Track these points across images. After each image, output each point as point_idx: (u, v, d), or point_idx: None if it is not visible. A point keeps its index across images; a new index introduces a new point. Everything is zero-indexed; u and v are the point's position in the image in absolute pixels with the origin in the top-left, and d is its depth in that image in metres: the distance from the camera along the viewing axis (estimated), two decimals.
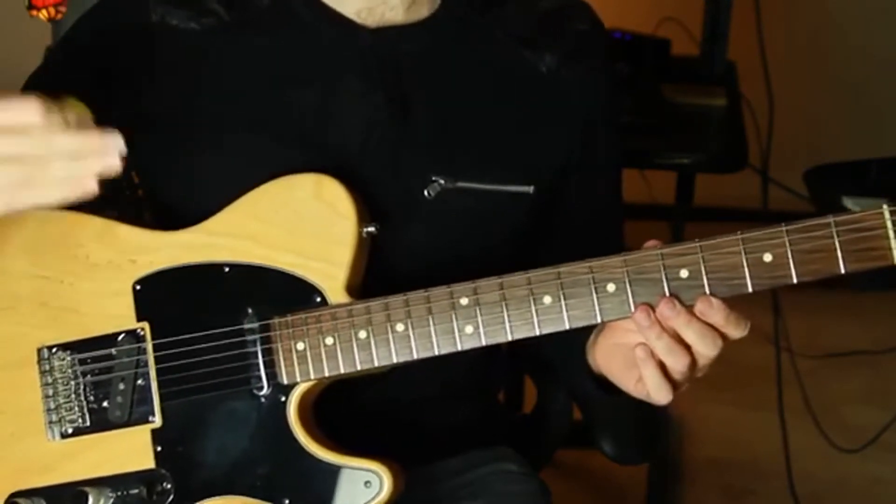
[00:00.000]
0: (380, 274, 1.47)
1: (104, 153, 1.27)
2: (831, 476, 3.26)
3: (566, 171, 1.63)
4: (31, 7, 2.50)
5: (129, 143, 1.29)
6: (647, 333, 1.35)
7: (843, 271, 1.29)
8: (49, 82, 1.61)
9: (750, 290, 1.32)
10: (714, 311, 1.34)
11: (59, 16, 2.48)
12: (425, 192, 1.53)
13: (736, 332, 1.36)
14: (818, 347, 3.73)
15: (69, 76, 1.60)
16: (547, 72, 1.60)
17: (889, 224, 1.28)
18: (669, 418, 3.21)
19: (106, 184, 1.61)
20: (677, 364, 1.37)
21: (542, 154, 1.60)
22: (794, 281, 1.31)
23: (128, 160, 1.58)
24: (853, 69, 4.33)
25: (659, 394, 1.39)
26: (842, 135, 4.28)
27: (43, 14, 2.50)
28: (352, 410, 1.53)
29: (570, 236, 1.65)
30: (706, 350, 1.36)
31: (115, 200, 1.75)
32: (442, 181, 1.53)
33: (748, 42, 3.23)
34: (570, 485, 3.17)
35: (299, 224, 1.45)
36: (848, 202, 2.36)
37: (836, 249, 1.29)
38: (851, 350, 3.80)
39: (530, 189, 1.57)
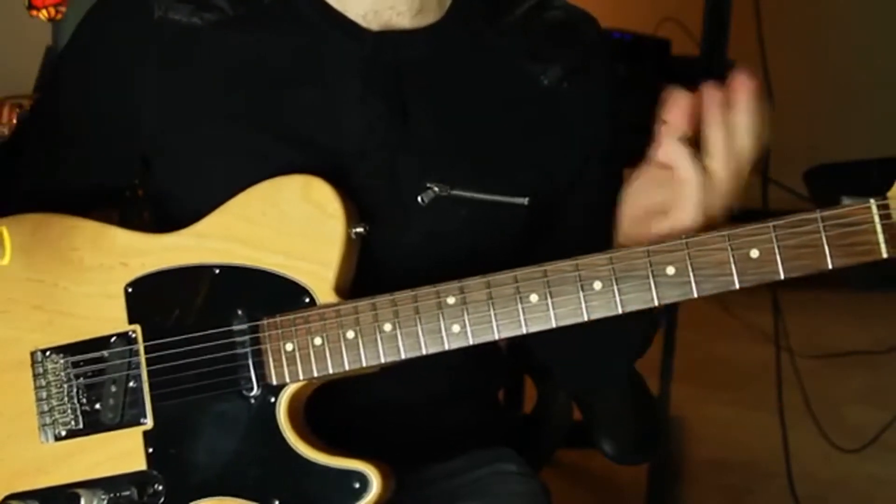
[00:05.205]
0: (373, 279, 1.47)
1: None
2: (831, 476, 3.26)
3: (565, 184, 1.62)
4: (31, 7, 2.50)
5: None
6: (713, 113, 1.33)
7: (830, 266, 1.29)
8: (65, 95, 1.63)
9: (737, 286, 1.31)
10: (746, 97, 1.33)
11: (59, 16, 2.48)
12: (419, 199, 1.53)
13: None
14: (818, 347, 3.73)
15: (83, 86, 1.61)
16: (548, 84, 1.59)
17: (876, 218, 1.28)
18: (669, 419, 3.21)
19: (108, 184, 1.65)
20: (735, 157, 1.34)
21: (539, 167, 1.59)
22: (781, 276, 1.30)
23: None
24: (853, 69, 4.32)
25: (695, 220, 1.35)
26: (842, 135, 4.28)
27: (43, 14, 2.51)
28: (352, 412, 1.53)
29: (566, 248, 1.64)
30: (755, 135, 1.34)
31: (115, 200, 1.76)
32: (437, 188, 1.53)
33: (748, 42, 3.23)
34: (570, 485, 3.16)
35: (287, 225, 1.45)
36: (847, 202, 2.35)
37: (823, 244, 1.29)
38: (851, 350, 3.79)
39: (524, 201, 1.57)
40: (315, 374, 1.43)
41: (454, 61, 1.58)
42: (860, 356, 3.77)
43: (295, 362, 1.43)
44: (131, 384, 1.49)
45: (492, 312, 1.38)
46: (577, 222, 1.64)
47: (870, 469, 3.28)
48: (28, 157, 1.63)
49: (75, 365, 1.51)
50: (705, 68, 3.10)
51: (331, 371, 1.42)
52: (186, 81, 1.55)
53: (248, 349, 1.45)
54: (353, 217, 1.46)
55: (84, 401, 1.50)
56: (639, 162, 2.83)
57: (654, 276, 1.33)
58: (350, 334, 1.41)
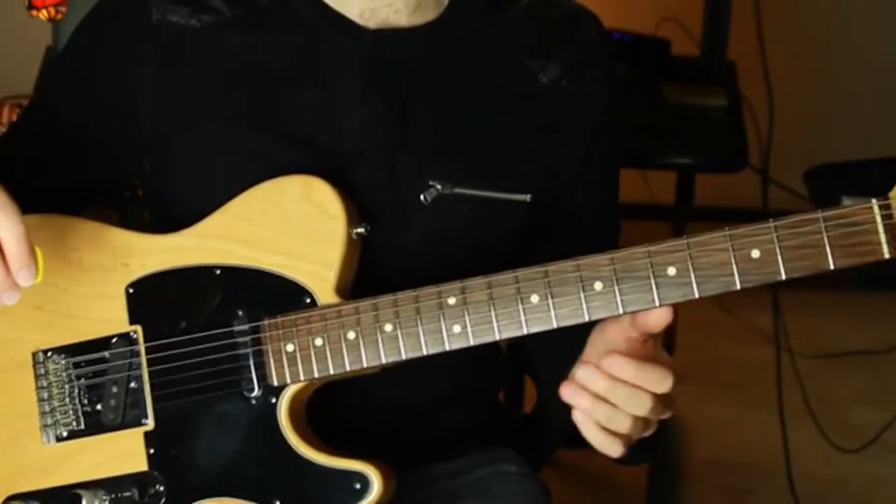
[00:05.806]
0: (374, 278, 1.47)
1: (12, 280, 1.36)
2: (831, 476, 3.25)
3: (565, 181, 1.61)
4: (31, 7, 2.50)
5: None
6: (579, 403, 1.34)
7: (832, 267, 1.28)
8: (64, 95, 1.64)
9: (738, 286, 1.31)
10: (621, 366, 1.33)
11: (59, 16, 2.48)
12: (422, 197, 1.53)
13: (658, 387, 1.35)
14: (818, 347, 3.71)
15: (82, 87, 1.61)
16: (547, 82, 1.58)
17: (878, 219, 1.27)
18: (669, 419, 3.20)
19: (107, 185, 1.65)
20: (621, 426, 1.36)
21: (539, 163, 1.59)
22: (783, 277, 1.29)
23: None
24: (853, 69, 4.31)
25: (608, 450, 1.37)
26: (842, 135, 4.27)
27: (43, 14, 2.50)
28: (353, 412, 1.53)
29: (566, 245, 1.64)
30: (638, 410, 1.35)
31: (115, 200, 1.76)
32: (439, 186, 1.53)
33: (748, 42, 3.22)
34: (570, 485, 3.16)
35: (288, 225, 1.45)
36: (848, 202, 2.35)
37: (824, 245, 1.28)
38: (851, 350, 3.78)
39: (527, 197, 1.56)
40: (316, 375, 1.43)
41: (453, 59, 1.58)
42: (860, 356, 3.75)
43: (296, 363, 1.43)
44: (132, 385, 1.49)
45: (493, 313, 1.37)
46: (577, 221, 1.64)
47: (870, 469, 3.27)
48: (23, 156, 1.63)
49: (76, 365, 1.51)
50: (705, 68, 3.10)
51: (332, 372, 1.42)
52: (186, 82, 1.55)
53: (250, 350, 1.45)
54: (353, 217, 1.46)
55: (85, 401, 1.51)
56: (639, 162, 2.84)
57: (655, 277, 1.33)
58: (351, 335, 1.41)
